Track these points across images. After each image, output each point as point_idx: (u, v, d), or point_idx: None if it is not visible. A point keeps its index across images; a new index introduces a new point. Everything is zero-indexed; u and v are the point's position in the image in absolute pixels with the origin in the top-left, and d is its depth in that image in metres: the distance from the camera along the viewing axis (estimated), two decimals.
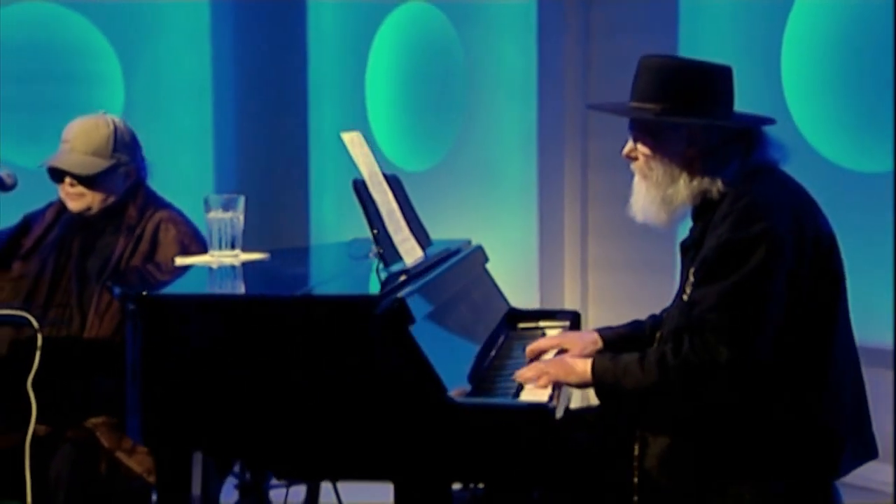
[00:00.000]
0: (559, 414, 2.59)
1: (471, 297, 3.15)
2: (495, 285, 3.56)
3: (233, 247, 3.05)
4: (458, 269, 3.14)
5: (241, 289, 2.88)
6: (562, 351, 2.95)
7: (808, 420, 2.59)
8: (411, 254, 2.97)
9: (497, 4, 6.03)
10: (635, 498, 2.67)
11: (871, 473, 2.83)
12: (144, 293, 2.49)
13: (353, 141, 2.95)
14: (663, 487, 2.65)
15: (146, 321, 2.44)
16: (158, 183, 3.47)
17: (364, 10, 6.70)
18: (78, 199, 3.36)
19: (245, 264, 3.03)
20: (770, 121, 2.76)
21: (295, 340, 2.41)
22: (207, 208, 3.06)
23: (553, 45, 5.83)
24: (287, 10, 7.00)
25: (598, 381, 2.63)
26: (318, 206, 7.01)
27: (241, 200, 3.08)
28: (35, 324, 2.95)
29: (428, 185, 6.39)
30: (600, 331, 3.06)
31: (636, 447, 2.69)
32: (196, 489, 2.82)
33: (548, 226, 5.90)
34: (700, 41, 5.24)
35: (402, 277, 2.69)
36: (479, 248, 3.57)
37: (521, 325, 3.52)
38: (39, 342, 2.96)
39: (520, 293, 5.85)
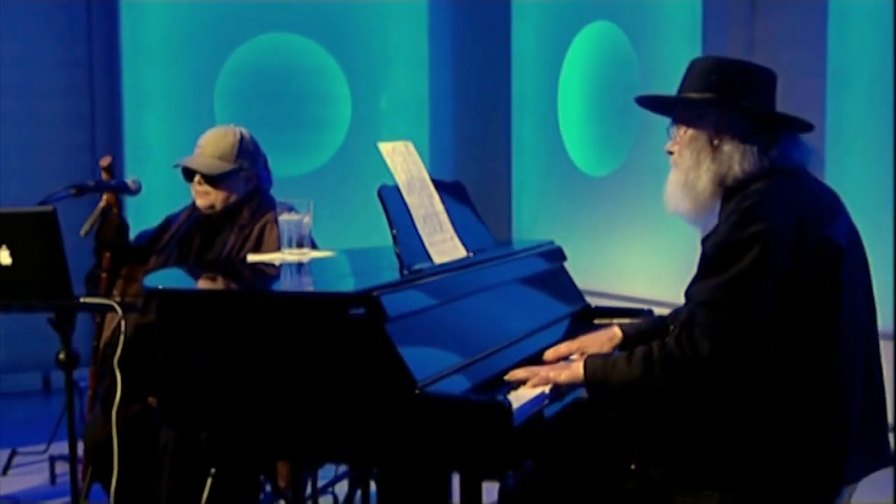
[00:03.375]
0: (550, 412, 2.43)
1: (519, 293, 2.98)
2: (571, 283, 3.34)
3: (300, 246, 3.02)
4: (502, 267, 2.97)
5: (245, 285, 2.83)
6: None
7: (804, 424, 2.34)
8: (449, 254, 2.84)
9: (667, 22, 5.84)
10: (630, 485, 2.46)
11: None
12: (159, 287, 2.48)
13: (395, 150, 2.85)
14: (659, 480, 2.43)
15: (157, 313, 2.45)
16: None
17: (559, 28, 6.68)
18: (204, 196, 3.47)
19: (290, 263, 2.99)
20: (808, 127, 2.50)
21: (280, 334, 2.35)
22: (280, 211, 3.05)
23: None
24: (494, 35, 7.10)
25: (588, 378, 2.46)
26: (518, 205, 7.05)
27: (310, 204, 3.04)
28: (119, 310, 3.01)
29: (609, 188, 6.25)
30: (622, 326, 2.85)
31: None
32: None
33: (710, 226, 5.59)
34: (847, 51, 4.83)
35: (415, 275, 2.57)
36: (556, 249, 3.37)
37: (597, 321, 3.30)
38: (123, 327, 3.03)
39: (682, 289, 5.58)
